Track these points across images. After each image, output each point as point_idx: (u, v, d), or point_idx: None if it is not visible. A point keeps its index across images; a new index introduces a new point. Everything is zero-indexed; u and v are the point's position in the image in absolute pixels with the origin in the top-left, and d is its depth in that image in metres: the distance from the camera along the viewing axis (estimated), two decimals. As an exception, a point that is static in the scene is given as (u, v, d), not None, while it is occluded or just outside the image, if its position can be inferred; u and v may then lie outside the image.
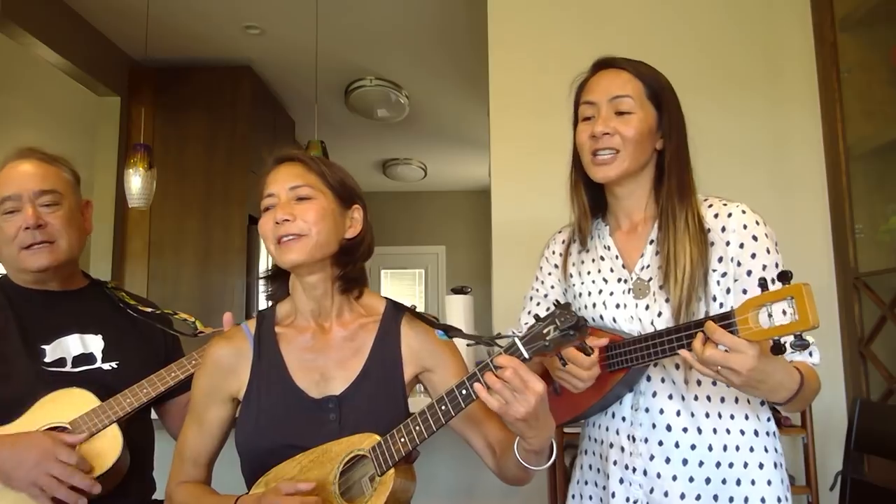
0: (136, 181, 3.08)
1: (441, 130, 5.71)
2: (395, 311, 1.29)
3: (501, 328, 2.56)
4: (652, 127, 1.26)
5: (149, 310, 1.57)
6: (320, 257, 1.20)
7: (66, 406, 1.36)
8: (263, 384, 1.23)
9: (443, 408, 1.07)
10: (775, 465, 1.22)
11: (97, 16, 3.77)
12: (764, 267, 1.19)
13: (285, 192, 1.20)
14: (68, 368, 1.42)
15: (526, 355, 1.02)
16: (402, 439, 1.09)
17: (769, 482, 1.20)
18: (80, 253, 1.52)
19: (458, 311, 2.51)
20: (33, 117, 4.34)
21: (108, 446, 1.34)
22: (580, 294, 1.35)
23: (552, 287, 1.43)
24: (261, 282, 1.33)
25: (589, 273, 1.34)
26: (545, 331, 1.01)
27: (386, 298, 1.32)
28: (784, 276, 0.95)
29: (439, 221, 7.53)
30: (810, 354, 1.15)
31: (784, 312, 0.94)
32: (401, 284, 7.72)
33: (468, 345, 1.17)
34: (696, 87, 2.67)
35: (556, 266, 1.43)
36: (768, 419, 1.25)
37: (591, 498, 1.34)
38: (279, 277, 1.30)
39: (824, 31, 2.61)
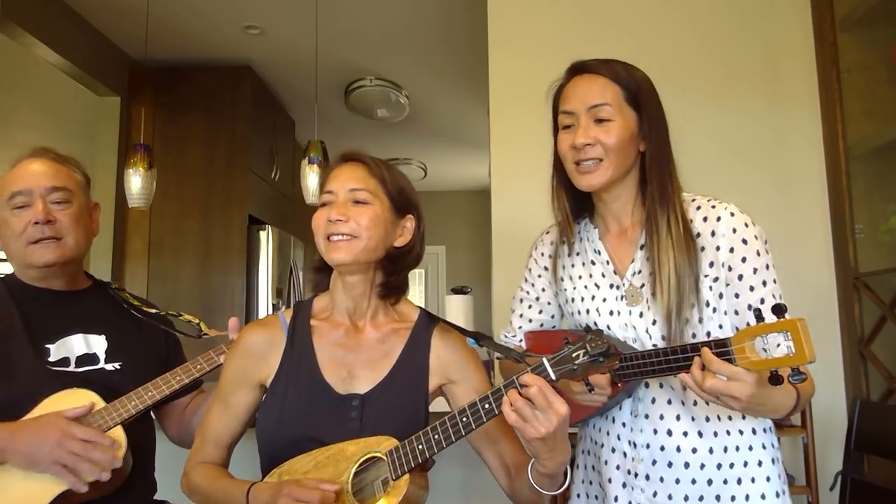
0: (136, 181, 3.08)
1: (441, 130, 5.71)
2: (428, 320, 1.31)
3: (501, 328, 2.55)
4: (633, 131, 1.24)
5: (153, 311, 1.58)
6: (366, 261, 1.23)
7: (71, 406, 1.36)
8: (292, 374, 1.24)
9: (464, 419, 1.07)
10: (773, 460, 1.23)
11: (97, 16, 3.77)
12: (755, 270, 1.19)
13: (344, 192, 1.23)
14: (72, 368, 1.42)
15: (553, 377, 1.02)
16: (420, 446, 1.10)
17: (768, 478, 1.21)
18: (85, 253, 1.53)
19: (458, 311, 2.52)
20: (33, 117, 4.35)
21: None
22: (572, 299, 1.34)
23: (543, 290, 1.42)
24: (309, 273, 1.36)
25: (580, 277, 1.34)
26: (574, 354, 1.01)
27: (420, 308, 1.33)
28: (778, 310, 0.95)
29: (439, 221, 7.52)
30: None
31: (780, 345, 0.95)
32: (401, 284, 7.72)
33: (497, 358, 1.19)
34: (697, 87, 2.67)
35: (545, 268, 1.42)
36: None
37: (596, 497, 1.34)
38: (324, 271, 1.32)
39: (824, 31, 2.61)
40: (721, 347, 1.01)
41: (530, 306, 1.44)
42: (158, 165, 3.30)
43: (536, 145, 2.66)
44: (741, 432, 1.22)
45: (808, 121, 2.67)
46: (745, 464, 1.21)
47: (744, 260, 1.19)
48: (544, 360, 1.02)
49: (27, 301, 1.46)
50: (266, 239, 4.30)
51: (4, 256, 1.50)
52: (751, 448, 1.22)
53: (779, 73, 2.71)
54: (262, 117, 4.59)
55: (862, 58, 2.54)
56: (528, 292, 1.45)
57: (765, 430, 1.24)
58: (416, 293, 7.67)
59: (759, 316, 0.98)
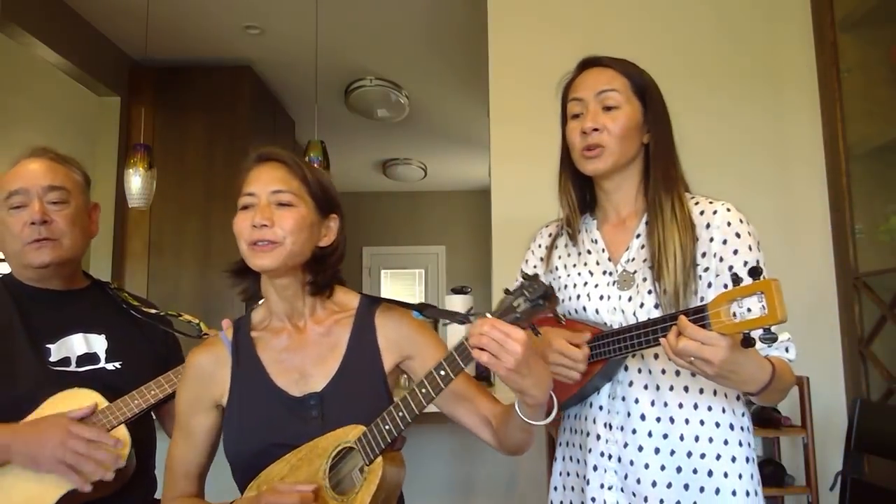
0: (136, 181, 3.09)
1: (441, 130, 5.71)
2: (369, 303, 1.29)
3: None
4: (639, 121, 1.30)
5: (152, 311, 1.58)
6: (292, 266, 1.21)
7: (74, 406, 1.36)
8: (245, 388, 1.23)
9: (423, 391, 1.07)
10: (747, 459, 1.24)
11: (97, 16, 3.77)
12: (745, 263, 1.21)
13: (266, 195, 1.19)
14: (72, 368, 1.42)
15: None
16: (387, 426, 1.10)
17: (740, 475, 1.22)
18: (82, 254, 1.53)
19: (458, 310, 2.51)
20: (33, 117, 4.34)
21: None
22: (564, 286, 1.38)
23: None
24: (226, 275, 1.30)
25: (574, 266, 1.38)
26: (515, 303, 1.02)
27: (360, 294, 1.32)
28: (755, 272, 0.98)
29: (439, 221, 7.52)
30: (787, 350, 1.20)
31: (754, 307, 0.97)
32: (401, 284, 7.72)
33: (444, 324, 1.20)
34: (697, 87, 2.67)
35: (541, 259, 1.46)
36: (743, 414, 1.27)
37: (573, 489, 1.35)
38: (246, 275, 1.28)
39: (824, 31, 2.61)
40: (697, 314, 1.04)
41: None
42: (158, 165, 3.30)
43: (536, 144, 2.67)
44: (717, 425, 1.23)
45: (808, 121, 2.67)
46: (718, 457, 1.22)
47: (735, 252, 1.22)
48: (487, 314, 1.04)
49: (27, 301, 1.46)
50: (266, 239, 4.29)
51: (2, 256, 1.51)
52: (726, 442, 1.23)
53: (779, 74, 2.71)
54: (262, 117, 4.59)
55: (862, 58, 2.54)
56: None
57: (742, 428, 1.26)
58: (416, 293, 7.67)
59: (735, 280, 1.00)
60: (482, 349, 1.01)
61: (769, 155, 2.67)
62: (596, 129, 1.27)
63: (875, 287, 2.41)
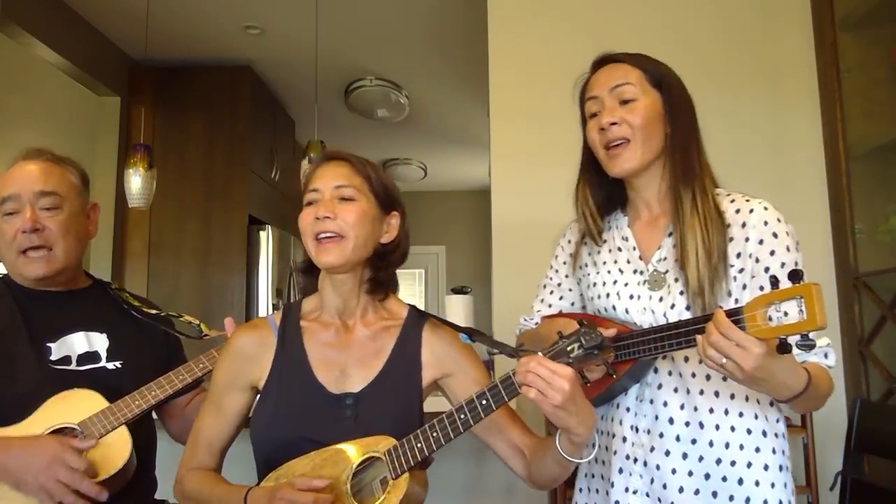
0: (136, 181, 3.08)
1: (441, 130, 5.70)
2: (418, 316, 1.31)
3: (501, 328, 2.55)
4: (659, 112, 1.25)
5: (153, 311, 1.57)
6: (355, 261, 1.23)
7: (75, 407, 1.36)
8: (284, 375, 1.24)
9: (462, 416, 1.08)
10: (781, 467, 1.20)
11: (97, 16, 3.76)
12: (782, 265, 1.16)
13: (329, 190, 1.23)
14: (73, 367, 1.42)
15: None
16: (419, 444, 1.10)
17: (773, 485, 1.17)
18: (78, 259, 1.52)
19: (458, 311, 2.51)
20: (33, 117, 4.34)
21: (118, 449, 1.35)
22: (594, 284, 1.34)
23: (566, 276, 1.43)
24: (296, 274, 1.34)
25: (605, 263, 1.33)
26: (569, 348, 1.02)
27: (409, 305, 1.34)
28: (795, 275, 0.93)
29: (439, 221, 7.52)
30: (826, 356, 1.15)
31: (792, 312, 0.93)
32: (401, 284, 7.63)
33: (490, 353, 1.20)
34: (696, 87, 2.64)
35: (570, 255, 1.42)
36: (777, 420, 1.23)
37: (597, 491, 1.32)
38: (311, 272, 1.32)
39: (824, 31, 2.61)
40: (732, 316, 0.99)
41: (552, 292, 1.45)
42: (158, 165, 3.30)
43: (537, 146, 2.68)
44: (749, 431, 1.19)
45: (808, 121, 2.66)
46: (749, 465, 1.17)
47: (772, 253, 1.17)
48: (539, 353, 1.03)
49: (27, 300, 1.46)
50: (266, 239, 4.30)
51: (-1, 257, 1.50)
52: (757, 450, 1.18)
53: (779, 74, 2.71)
54: (261, 117, 4.59)
55: (862, 58, 2.54)
56: (551, 278, 1.46)
57: (776, 435, 1.21)
58: (417, 293, 7.66)
59: (774, 282, 0.95)
60: (529, 385, 1.01)
61: (769, 154, 2.67)
62: (614, 124, 1.23)
63: (875, 287, 2.41)
